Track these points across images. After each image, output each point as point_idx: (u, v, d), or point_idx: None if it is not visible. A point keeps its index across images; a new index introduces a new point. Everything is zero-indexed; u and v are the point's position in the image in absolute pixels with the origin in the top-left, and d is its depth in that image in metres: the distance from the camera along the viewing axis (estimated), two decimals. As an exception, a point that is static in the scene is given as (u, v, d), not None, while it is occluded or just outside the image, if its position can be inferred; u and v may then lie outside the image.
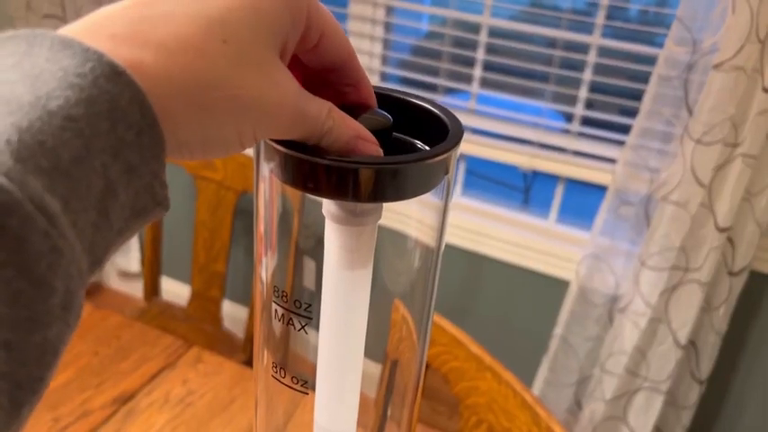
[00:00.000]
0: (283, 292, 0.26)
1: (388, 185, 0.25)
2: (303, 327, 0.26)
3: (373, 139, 0.27)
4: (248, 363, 1.30)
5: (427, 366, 0.95)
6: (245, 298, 1.86)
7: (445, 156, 0.26)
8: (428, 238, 0.30)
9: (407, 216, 0.29)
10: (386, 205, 0.28)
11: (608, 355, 1.33)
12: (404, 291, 0.32)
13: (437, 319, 0.90)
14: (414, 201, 0.28)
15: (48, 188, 0.18)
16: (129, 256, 2.02)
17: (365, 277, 0.29)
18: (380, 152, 0.27)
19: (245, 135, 0.24)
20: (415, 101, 0.31)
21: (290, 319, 0.26)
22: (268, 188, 0.26)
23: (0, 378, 0.17)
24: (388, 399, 0.40)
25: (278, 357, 0.28)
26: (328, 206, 0.28)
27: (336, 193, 0.25)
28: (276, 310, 0.26)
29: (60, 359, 0.19)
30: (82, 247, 0.19)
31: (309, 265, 0.28)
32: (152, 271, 1.44)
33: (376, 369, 0.40)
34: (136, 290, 2.10)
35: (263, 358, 0.29)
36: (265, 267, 0.27)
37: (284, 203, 0.27)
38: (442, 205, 0.29)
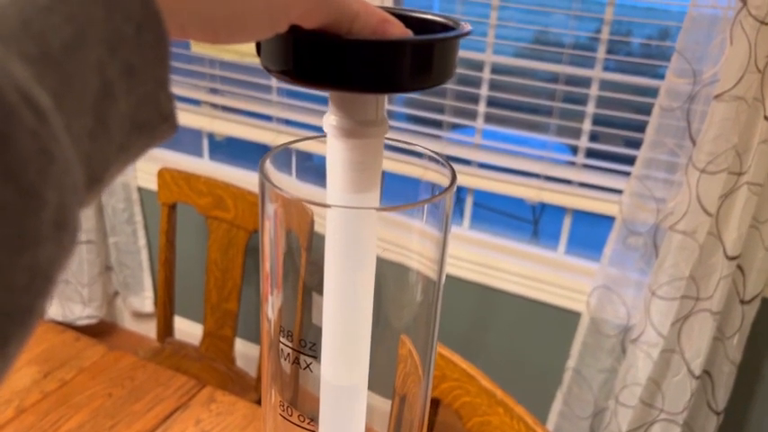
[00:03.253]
0: (289, 331, 0.26)
1: (431, 62, 0.24)
2: (308, 365, 0.27)
3: (398, 22, 0.26)
4: (261, 401, 1.30)
5: (439, 402, 0.95)
6: (258, 336, 1.86)
7: (466, 32, 0.26)
8: (429, 270, 0.30)
9: (409, 249, 0.30)
10: (388, 238, 0.28)
11: (622, 387, 1.32)
12: (407, 324, 0.32)
13: (448, 353, 0.90)
14: (415, 232, 0.28)
15: (36, 79, 0.15)
16: (143, 297, 2.04)
17: (372, 201, 0.26)
18: (409, 32, 0.26)
19: (276, 7, 0.22)
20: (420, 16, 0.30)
21: (297, 357, 0.26)
22: (273, 227, 0.27)
23: None
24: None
25: (285, 395, 0.28)
26: (332, 119, 0.26)
27: (380, 76, 0.24)
28: (282, 350, 0.27)
29: (53, 289, 0.16)
30: (78, 158, 0.16)
31: (316, 302, 0.28)
32: (165, 311, 1.45)
33: (386, 405, 0.41)
34: (150, 330, 2.11)
35: (271, 396, 0.29)
36: (271, 306, 0.27)
37: (290, 242, 0.28)
38: (442, 237, 0.29)
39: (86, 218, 1.89)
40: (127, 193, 1.90)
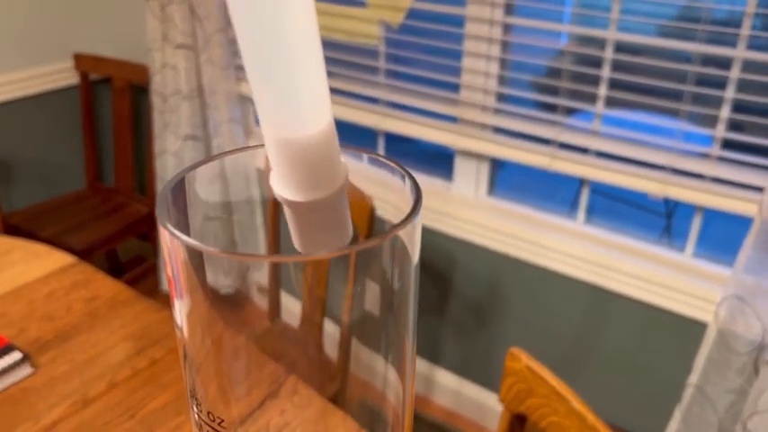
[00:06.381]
0: (197, 400, 0.22)
1: None
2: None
3: None
4: (336, 395, 1.28)
5: (526, 419, 0.87)
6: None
7: None
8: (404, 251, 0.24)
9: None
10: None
11: (752, 413, 1.16)
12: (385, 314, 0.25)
13: (537, 367, 0.82)
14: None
15: None
16: (264, 273, 2.10)
17: None
18: None
19: None
20: None
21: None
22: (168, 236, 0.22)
23: None
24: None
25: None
26: None
27: None
28: (194, 417, 0.22)
29: None
30: None
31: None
32: (275, 292, 1.47)
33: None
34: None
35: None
36: (178, 312, 0.23)
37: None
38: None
39: (211, 194, 1.96)
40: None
